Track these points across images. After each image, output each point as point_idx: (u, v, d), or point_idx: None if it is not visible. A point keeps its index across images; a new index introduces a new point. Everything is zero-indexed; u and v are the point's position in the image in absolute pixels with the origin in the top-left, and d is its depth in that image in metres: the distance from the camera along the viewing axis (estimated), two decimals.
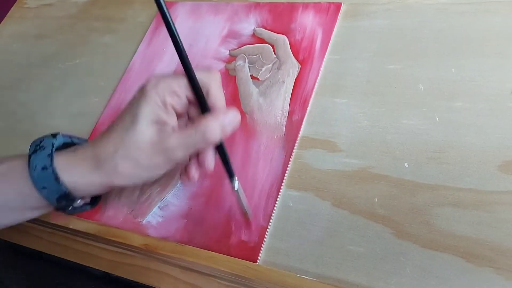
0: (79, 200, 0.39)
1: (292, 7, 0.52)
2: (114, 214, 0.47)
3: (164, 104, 0.35)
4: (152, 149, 0.35)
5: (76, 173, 0.36)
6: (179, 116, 0.37)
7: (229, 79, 0.51)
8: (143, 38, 0.59)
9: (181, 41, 0.35)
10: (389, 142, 0.41)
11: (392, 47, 0.46)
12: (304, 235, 0.40)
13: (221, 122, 0.36)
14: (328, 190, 0.41)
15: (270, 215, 0.41)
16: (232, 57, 0.52)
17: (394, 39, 0.46)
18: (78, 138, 0.42)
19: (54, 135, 0.39)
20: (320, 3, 0.51)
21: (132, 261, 0.45)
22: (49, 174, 0.36)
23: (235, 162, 0.45)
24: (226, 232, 0.42)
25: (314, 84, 0.46)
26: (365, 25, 0.48)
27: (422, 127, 0.41)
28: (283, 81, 0.48)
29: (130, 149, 0.35)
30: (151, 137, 0.35)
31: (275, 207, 0.41)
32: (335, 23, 0.49)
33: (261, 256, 0.40)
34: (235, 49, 0.53)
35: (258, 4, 0.55)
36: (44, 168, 0.36)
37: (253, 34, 0.53)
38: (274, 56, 0.50)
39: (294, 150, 0.44)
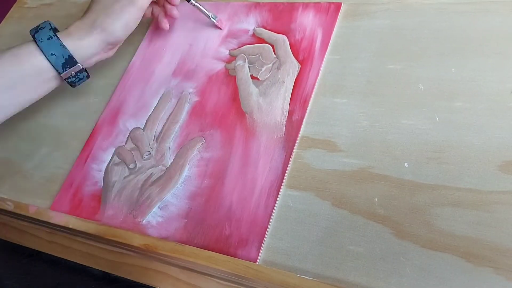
0: (80, 66, 0.49)
1: (292, 7, 0.52)
2: (114, 214, 0.47)
3: None
4: (123, 1, 0.47)
5: (76, 38, 0.48)
6: None
7: (229, 79, 0.51)
8: (143, 38, 0.59)
9: None
10: (389, 142, 0.41)
11: (392, 47, 0.46)
12: (304, 235, 0.40)
13: None
14: (328, 190, 0.41)
15: (270, 215, 0.41)
16: (232, 57, 0.52)
17: (394, 39, 0.46)
18: None
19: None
20: (320, 3, 0.51)
21: (132, 261, 0.45)
22: (55, 41, 0.47)
23: (235, 162, 0.45)
24: (226, 232, 0.42)
25: (314, 84, 0.46)
26: (365, 25, 0.48)
27: (422, 127, 0.41)
28: (283, 81, 0.48)
29: (107, 6, 0.48)
30: None
31: (275, 207, 0.41)
32: (335, 23, 0.49)
33: (261, 256, 0.40)
34: (235, 49, 0.53)
35: (258, 4, 0.55)
36: (49, 38, 0.47)
37: (253, 34, 0.53)
38: (274, 56, 0.50)
39: (294, 150, 0.44)
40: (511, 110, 0.39)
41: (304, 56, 0.48)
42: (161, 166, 0.48)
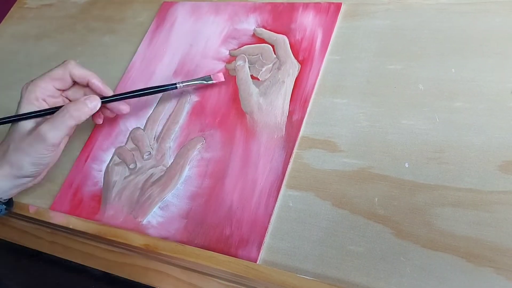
0: None
1: (292, 7, 0.52)
2: (114, 214, 0.47)
3: (37, 99, 0.46)
4: (30, 136, 0.44)
5: None
6: (56, 103, 0.48)
7: (229, 79, 0.51)
8: (143, 38, 0.59)
9: None
10: (389, 142, 0.41)
11: (392, 47, 0.46)
12: (304, 235, 0.40)
13: (77, 103, 0.45)
14: (328, 190, 0.41)
15: (270, 215, 0.41)
16: (232, 57, 0.52)
17: (394, 39, 0.46)
18: None
19: None
20: (320, 3, 0.51)
21: (132, 261, 0.45)
22: None
23: (235, 162, 0.45)
24: (227, 232, 0.42)
25: (314, 84, 0.46)
26: (365, 25, 0.48)
27: (422, 127, 0.41)
28: (283, 81, 0.48)
29: (16, 141, 0.45)
30: (30, 127, 0.45)
31: (275, 207, 0.41)
32: (335, 23, 0.49)
33: (261, 256, 0.40)
34: (235, 49, 0.53)
35: (258, 4, 0.55)
36: None
37: (253, 34, 0.53)
38: (274, 56, 0.50)
39: (294, 150, 0.44)
40: (511, 110, 0.39)
41: (304, 56, 0.48)
42: (161, 166, 0.48)
